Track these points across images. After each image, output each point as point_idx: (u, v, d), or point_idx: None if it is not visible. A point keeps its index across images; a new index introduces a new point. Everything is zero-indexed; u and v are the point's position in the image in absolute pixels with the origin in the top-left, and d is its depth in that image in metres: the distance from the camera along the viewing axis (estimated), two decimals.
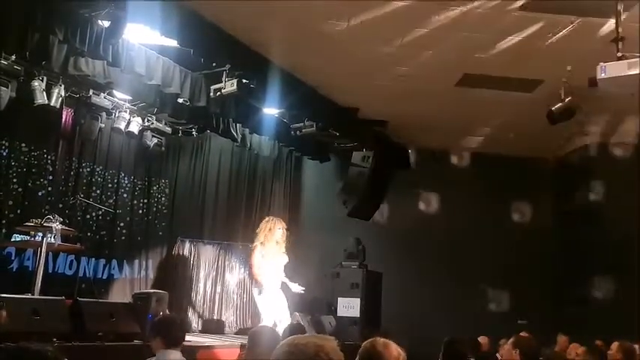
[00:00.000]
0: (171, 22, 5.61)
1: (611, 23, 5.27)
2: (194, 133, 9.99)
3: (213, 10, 5.81)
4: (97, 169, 9.20)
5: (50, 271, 7.84)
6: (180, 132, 10.01)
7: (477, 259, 8.96)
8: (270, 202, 10.31)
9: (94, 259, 8.90)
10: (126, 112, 8.69)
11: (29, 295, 6.06)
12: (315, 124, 8.24)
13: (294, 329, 4.66)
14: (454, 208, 9.24)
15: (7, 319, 4.69)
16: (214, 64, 6.79)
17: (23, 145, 8.16)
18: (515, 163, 8.98)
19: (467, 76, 6.93)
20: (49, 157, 8.46)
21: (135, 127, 8.81)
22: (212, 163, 10.49)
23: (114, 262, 9.26)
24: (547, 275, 8.90)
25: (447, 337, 4.18)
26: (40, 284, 6.33)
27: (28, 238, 6.94)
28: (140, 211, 9.89)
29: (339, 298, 8.65)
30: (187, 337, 4.22)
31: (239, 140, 8.83)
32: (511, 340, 4.52)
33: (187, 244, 9.92)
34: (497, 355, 6.10)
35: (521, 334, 5.64)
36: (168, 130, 9.57)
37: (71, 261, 8.47)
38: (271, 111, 8.27)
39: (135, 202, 9.79)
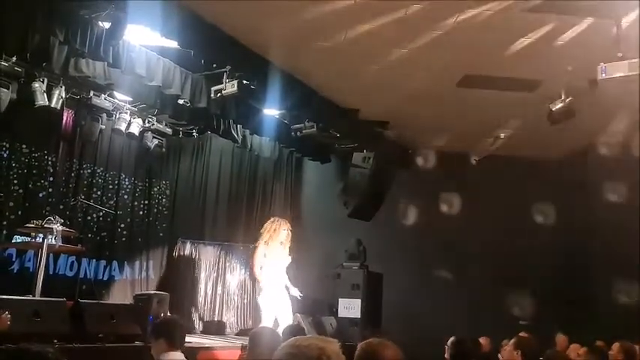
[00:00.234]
0: (172, 23, 5.61)
1: (611, 24, 5.27)
2: (195, 134, 10.00)
3: (213, 11, 5.80)
4: (98, 171, 9.21)
5: (51, 273, 7.86)
6: (180, 133, 10.02)
7: (478, 259, 8.95)
8: (271, 203, 10.32)
9: (94, 260, 8.92)
10: (126, 113, 8.70)
11: (30, 297, 6.06)
12: (316, 125, 8.24)
13: (294, 330, 4.65)
14: (455, 209, 9.22)
15: (10, 320, 4.70)
16: (215, 65, 6.80)
17: (24, 146, 8.18)
18: (515, 164, 8.97)
19: (467, 77, 6.93)
20: (49, 158, 8.47)
21: (135, 128, 8.83)
22: (213, 164, 10.50)
23: (115, 263, 9.27)
24: (548, 276, 8.89)
25: (453, 337, 4.17)
26: (40, 285, 6.33)
27: (29, 239, 6.95)
28: (141, 213, 9.90)
29: (339, 299, 8.64)
30: (188, 339, 4.22)
31: (240, 141, 8.84)
32: (512, 340, 4.52)
33: (188, 245, 9.92)
34: (499, 356, 6.09)
35: (521, 334, 5.65)
36: (169, 131, 9.58)
37: (72, 262, 8.48)
38: (272, 112, 8.27)
39: (135, 203, 9.80)
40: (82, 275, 8.40)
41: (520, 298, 8.55)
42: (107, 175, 9.37)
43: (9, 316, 4.67)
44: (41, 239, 6.61)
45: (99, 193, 9.22)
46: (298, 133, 8.49)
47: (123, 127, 8.69)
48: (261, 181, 10.51)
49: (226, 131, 8.50)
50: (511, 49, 6.13)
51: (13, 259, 7.86)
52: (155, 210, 10.13)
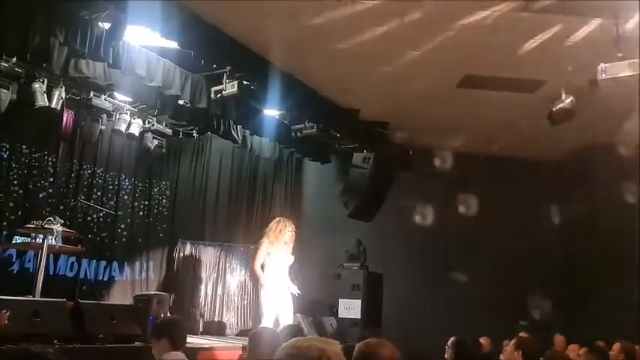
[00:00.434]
0: (172, 23, 5.61)
1: (611, 24, 5.27)
2: (195, 134, 10.01)
3: (213, 11, 5.80)
4: (98, 171, 9.21)
5: (51, 273, 7.86)
6: (180, 134, 10.02)
7: (478, 259, 8.94)
8: (271, 204, 10.32)
9: (94, 260, 8.92)
10: (126, 114, 8.70)
11: (30, 297, 6.06)
12: (316, 125, 8.24)
13: (293, 330, 4.65)
14: (455, 209, 9.22)
15: (10, 320, 4.70)
16: (215, 66, 6.79)
17: (24, 147, 8.18)
18: (516, 164, 8.97)
19: (468, 77, 6.93)
20: (49, 159, 8.47)
21: (135, 128, 8.83)
22: (213, 165, 10.50)
23: (115, 263, 9.28)
24: (549, 276, 8.88)
25: (453, 337, 4.17)
26: (40, 286, 6.33)
27: (29, 240, 6.95)
28: (141, 213, 9.90)
29: (340, 300, 8.63)
30: (188, 339, 4.22)
31: (240, 142, 8.83)
32: (513, 341, 4.52)
33: (188, 246, 9.92)
34: (501, 356, 6.09)
35: (521, 334, 5.65)
36: (169, 131, 9.58)
37: (72, 263, 8.48)
38: (272, 112, 8.27)
39: (136, 203, 9.81)
40: (82, 276, 8.40)
41: (520, 298, 8.55)
42: (107, 176, 9.37)
43: (7, 313, 4.67)
44: (41, 240, 6.62)
45: (99, 193, 9.23)
46: (298, 134, 8.49)
47: (123, 127, 8.69)
48: (261, 182, 10.50)
49: (226, 132, 8.50)
50: (511, 50, 6.13)
51: (14, 260, 7.86)
52: (155, 210, 10.13)
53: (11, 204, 7.92)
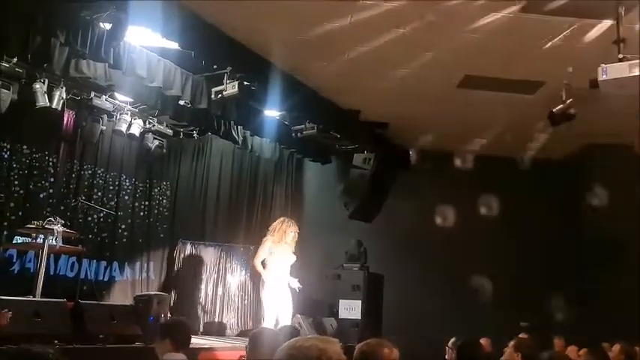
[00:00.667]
0: (173, 24, 5.62)
1: (612, 25, 5.27)
2: (195, 135, 10.01)
3: (214, 12, 5.81)
4: (99, 172, 9.22)
5: (51, 273, 7.86)
6: (181, 134, 10.02)
7: (479, 261, 8.94)
8: (272, 204, 10.32)
9: (95, 261, 8.92)
10: (127, 114, 8.71)
11: (30, 298, 6.08)
12: (317, 126, 8.24)
13: (292, 330, 4.66)
14: (455, 210, 9.22)
15: (11, 320, 4.70)
16: (215, 67, 6.80)
17: (25, 147, 8.19)
18: (516, 164, 8.97)
19: (468, 78, 6.93)
20: (50, 159, 8.48)
21: (136, 129, 8.84)
22: (213, 166, 10.51)
23: (115, 264, 9.28)
24: (549, 277, 8.88)
25: (455, 338, 4.17)
26: (41, 286, 6.34)
27: (30, 240, 6.96)
28: (141, 214, 9.91)
29: (340, 300, 8.63)
30: None
31: (240, 142, 8.83)
32: (512, 342, 4.52)
33: (188, 246, 9.92)
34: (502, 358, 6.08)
35: (520, 335, 5.65)
36: (170, 132, 9.58)
37: (72, 263, 8.48)
38: (272, 113, 8.27)
39: (136, 204, 9.81)
40: (82, 276, 8.40)
41: (521, 299, 8.54)
42: (108, 176, 9.38)
43: (9, 313, 4.67)
44: (42, 240, 6.62)
45: (99, 194, 9.23)
46: (299, 134, 8.50)
47: (124, 128, 8.69)
48: (261, 182, 10.51)
49: (227, 132, 8.50)
50: (511, 51, 6.13)
51: (14, 260, 7.87)
52: (156, 211, 10.14)
53: (12, 204, 7.92)
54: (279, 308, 7.18)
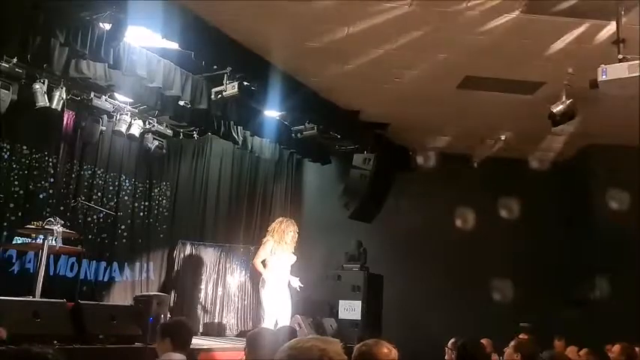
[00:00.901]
0: (173, 24, 5.62)
1: (612, 25, 5.27)
2: (195, 135, 10.00)
3: (214, 12, 5.81)
4: (98, 172, 9.21)
5: (51, 274, 7.86)
6: (181, 135, 10.01)
7: (479, 261, 8.94)
8: (272, 205, 10.31)
9: (95, 261, 8.92)
10: (127, 114, 8.70)
11: (30, 298, 6.07)
12: (317, 126, 8.24)
13: (289, 332, 4.65)
14: (455, 210, 9.22)
15: (10, 322, 4.69)
16: (215, 67, 6.80)
17: (24, 147, 8.17)
18: (516, 165, 8.97)
19: (468, 79, 6.93)
20: (50, 159, 8.47)
21: (136, 129, 8.83)
22: (213, 166, 10.49)
23: (115, 264, 9.27)
24: (549, 277, 8.89)
25: (455, 338, 4.17)
26: (41, 287, 6.33)
27: (30, 240, 6.95)
28: (141, 214, 9.90)
29: (340, 301, 8.64)
30: None
31: (240, 143, 8.83)
32: (512, 343, 4.52)
33: (188, 247, 9.91)
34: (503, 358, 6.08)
35: (520, 336, 5.65)
36: (170, 132, 9.57)
37: (72, 263, 8.47)
38: (272, 113, 8.27)
39: (136, 204, 9.80)
40: (82, 276, 8.39)
41: (521, 300, 8.55)
42: (108, 177, 9.37)
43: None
44: (41, 240, 6.62)
45: (99, 194, 9.22)
46: (299, 135, 8.50)
47: (123, 128, 8.69)
48: (261, 183, 10.50)
49: (227, 133, 8.50)
50: (511, 51, 6.14)
51: (14, 260, 7.86)
52: (155, 211, 10.13)
53: (12, 204, 7.91)
54: (279, 308, 7.17)
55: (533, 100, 7.09)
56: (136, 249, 9.67)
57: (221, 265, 9.94)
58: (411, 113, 8.18)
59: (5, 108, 7.03)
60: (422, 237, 9.19)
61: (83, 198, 8.66)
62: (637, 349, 5.23)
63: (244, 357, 3.80)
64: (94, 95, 8.14)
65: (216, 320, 9.66)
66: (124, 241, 9.51)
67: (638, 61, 4.72)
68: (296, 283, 7.43)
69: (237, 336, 9.28)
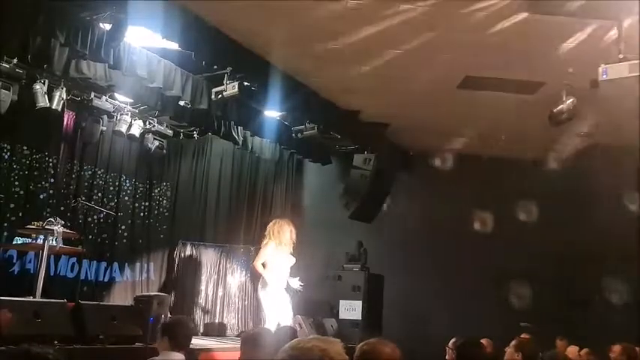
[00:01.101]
0: (173, 25, 5.62)
1: (612, 25, 5.27)
2: (195, 135, 10.00)
3: (214, 13, 5.81)
4: (99, 172, 9.22)
5: (52, 274, 7.86)
6: (181, 135, 10.02)
7: (479, 261, 8.94)
8: (272, 205, 10.31)
9: (95, 261, 8.92)
10: (127, 114, 8.70)
11: (31, 298, 6.06)
12: (317, 126, 8.24)
13: (289, 332, 4.65)
14: (456, 211, 9.22)
15: (13, 321, 4.70)
16: (215, 67, 6.80)
17: (25, 147, 8.18)
18: (516, 165, 8.97)
19: (468, 79, 6.93)
20: (50, 160, 8.47)
21: (136, 129, 8.83)
22: (213, 166, 10.49)
23: (115, 264, 9.28)
24: (549, 277, 8.88)
25: (455, 338, 4.17)
26: (41, 287, 6.33)
27: (30, 240, 6.95)
28: (141, 214, 9.90)
29: (340, 301, 8.65)
30: None
31: (240, 143, 8.83)
32: (513, 343, 4.52)
33: (189, 247, 9.91)
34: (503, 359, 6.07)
35: (521, 336, 5.64)
36: (170, 132, 9.57)
37: (73, 264, 8.48)
38: (272, 114, 8.27)
39: (136, 204, 9.81)
40: (82, 277, 8.39)
41: (521, 300, 8.54)
42: (108, 177, 9.37)
43: (9, 314, 4.66)
44: (42, 240, 6.62)
45: (100, 194, 9.23)
46: (299, 135, 8.49)
47: (124, 128, 8.69)
48: (261, 183, 10.50)
49: (227, 133, 8.50)
50: (512, 51, 6.13)
51: (14, 261, 7.86)
52: (156, 212, 10.13)
53: (12, 205, 7.92)
54: (279, 309, 7.17)
55: (534, 100, 7.09)
56: (137, 249, 9.68)
57: (221, 265, 9.94)
58: (412, 113, 8.18)
59: (5, 108, 7.04)
60: (422, 237, 9.19)
61: (83, 198, 8.66)
62: (638, 349, 5.22)
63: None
64: (95, 95, 8.14)
65: (216, 320, 9.66)
66: (125, 241, 9.51)
67: (638, 61, 4.72)
68: (296, 284, 7.41)
69: (237, 336, 9.26)
